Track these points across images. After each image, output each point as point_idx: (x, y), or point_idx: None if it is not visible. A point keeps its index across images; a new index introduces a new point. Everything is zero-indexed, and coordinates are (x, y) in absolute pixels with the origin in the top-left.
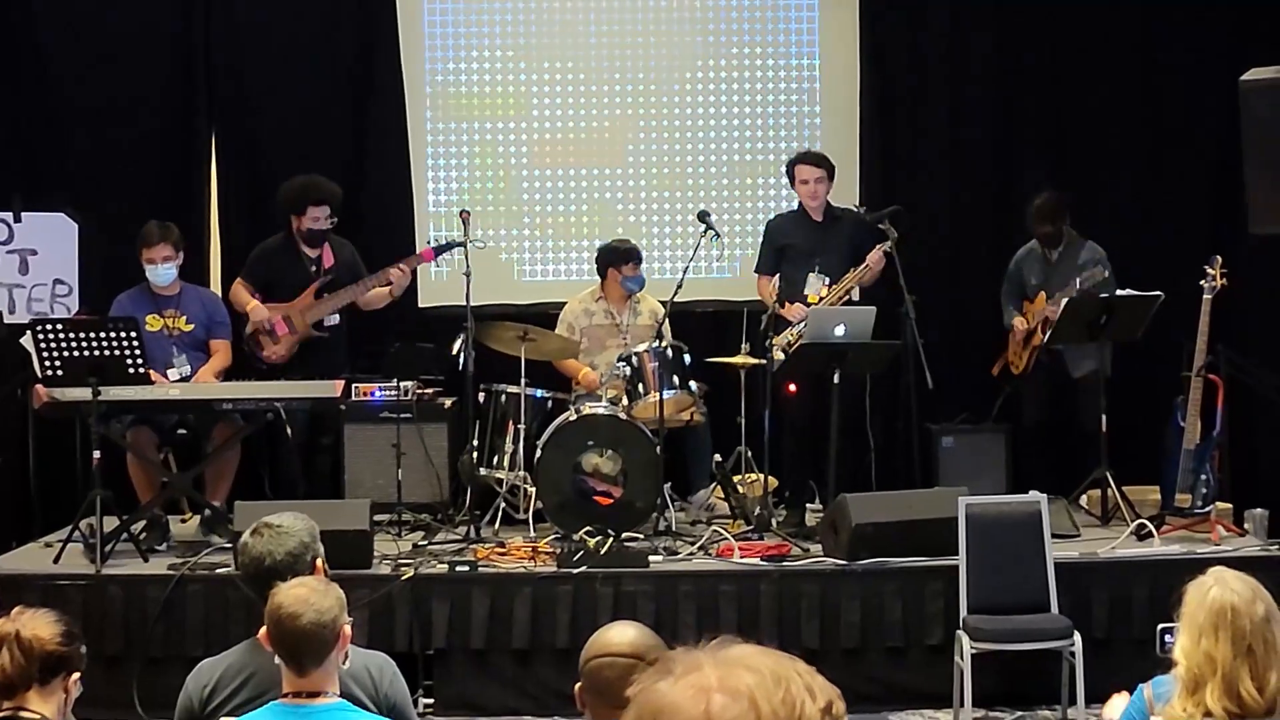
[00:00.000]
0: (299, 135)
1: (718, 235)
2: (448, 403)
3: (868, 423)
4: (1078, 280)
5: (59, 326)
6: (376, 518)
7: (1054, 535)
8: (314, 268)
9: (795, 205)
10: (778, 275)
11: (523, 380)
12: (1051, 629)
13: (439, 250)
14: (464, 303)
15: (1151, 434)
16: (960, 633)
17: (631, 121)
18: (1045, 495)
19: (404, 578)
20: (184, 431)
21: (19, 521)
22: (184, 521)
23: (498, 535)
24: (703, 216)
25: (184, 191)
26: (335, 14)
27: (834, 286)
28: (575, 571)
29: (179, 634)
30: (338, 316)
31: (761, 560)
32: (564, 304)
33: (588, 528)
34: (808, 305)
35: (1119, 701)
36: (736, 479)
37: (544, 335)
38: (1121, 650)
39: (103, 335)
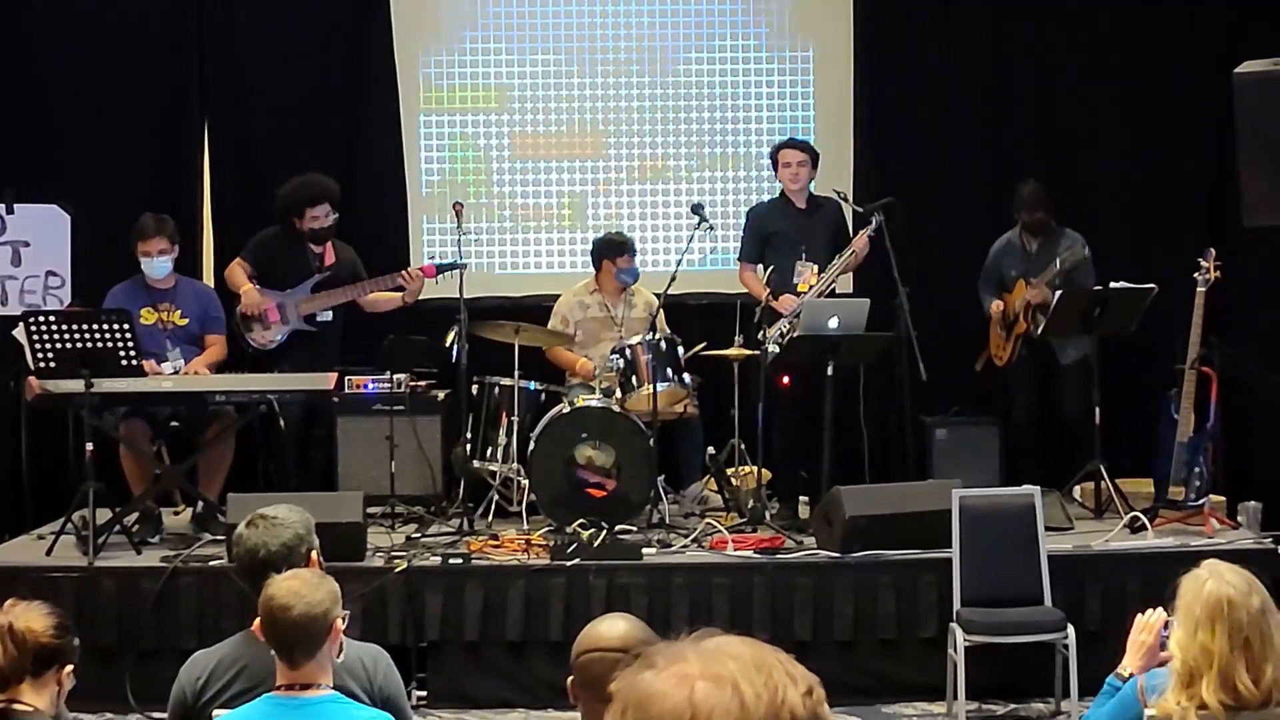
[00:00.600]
0: (292, 126)
1: (711, 228)
2: (441, 395)
3: (861, 415)
4: (1058, 261)
5: (52, 318)
6: (369, 510)
7: (1047, 528)
8: (316, 263)
9: (777, 194)
10: (766, 266)
11: (516, 373)
12: (1045, 622)
13: (440, 269)
14: (457, 295)
15: (1145, 427)
16: (954, 625)
17: (625, 113)
18: (1039, 488)
19: (397, 570)
20: (177, 424)
21: (11, 513)
22: (177, 514)
23: (491, 528)
24: (697, 209)
25: (177, 183)
26: (328, 4)
27: (823, 274)
28: (569, 564)
29: (172, 626)
30: (331, 313)
31: (755, 553)
32: (557, 296)
33: (581, 520)
34: (798, 294)
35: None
36: (730, 471)
37: (537, 332)
38: (1115, 643)
39: (95, 327)
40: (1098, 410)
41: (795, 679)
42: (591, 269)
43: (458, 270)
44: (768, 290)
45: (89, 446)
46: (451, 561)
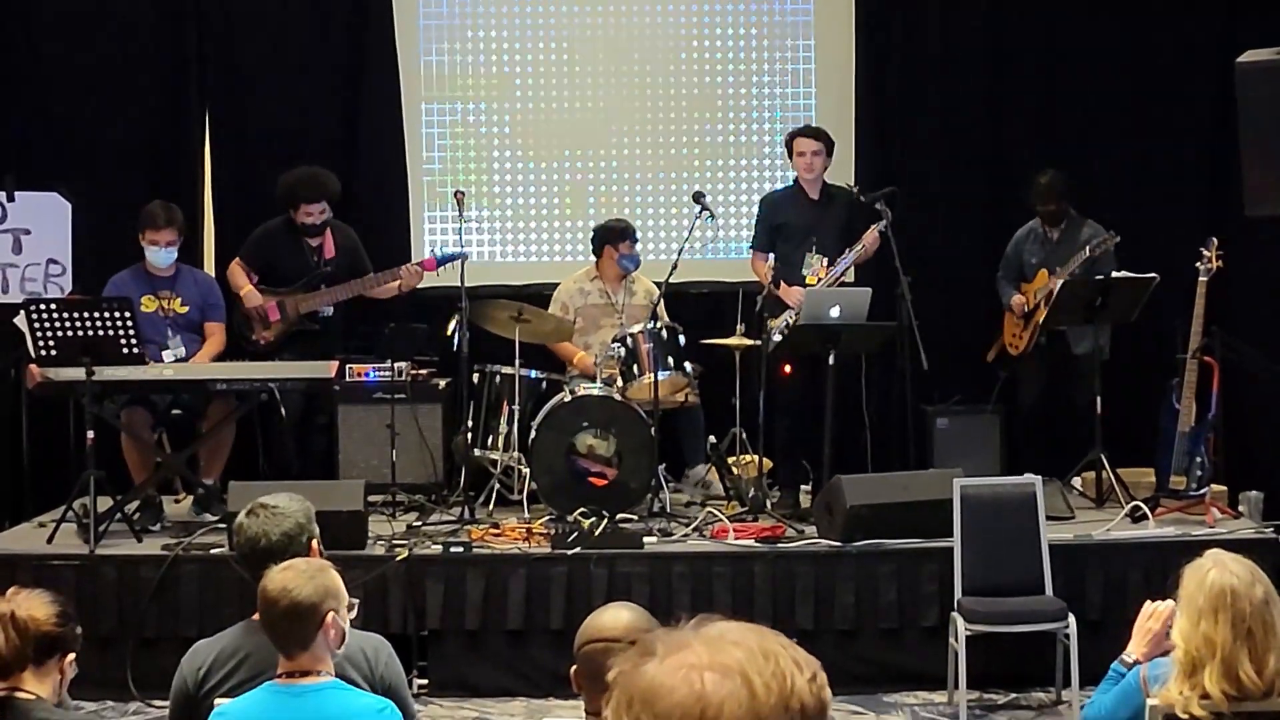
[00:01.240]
0: (293, 114)
1: (713, 216)
2: (442, 383)
3: (863, 404)
4: (1086, 249)
5: (53, 306)
6: (370, 499)
7: (1049, 517)
8: (315, 257)
9: (790, 182)
10: (777, 255)
11: (517, 361)
12: (1046, 611)
13: (441, 261)
14: (458, 283)
15: (1146, 416)
16: (955, 614)
17: (626, 102)
18: (1040, 477)
19: (398, 559)
20: (178, 412)
21: (12, 501)
22: (178, 502)
23: (492, 516)
24: (698, 197)
25: (177, 171)
26: None
27: (831, 268)
28: (570, 553)
29: (173, 614)
30: (331, 309)
31: (756, 542)
32: (557, 284)
33: (582, 509)
34: (807, 286)
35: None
36: (731, 460)
37: (539, 315)
38: (1116, 632)
39: (97, 315)
40: (1099, 400)
41: (800, 665)
42: (593, 257)
43: (459, 260)
44: (770, 279)
45: (90, 434)
46: (452, 550)
